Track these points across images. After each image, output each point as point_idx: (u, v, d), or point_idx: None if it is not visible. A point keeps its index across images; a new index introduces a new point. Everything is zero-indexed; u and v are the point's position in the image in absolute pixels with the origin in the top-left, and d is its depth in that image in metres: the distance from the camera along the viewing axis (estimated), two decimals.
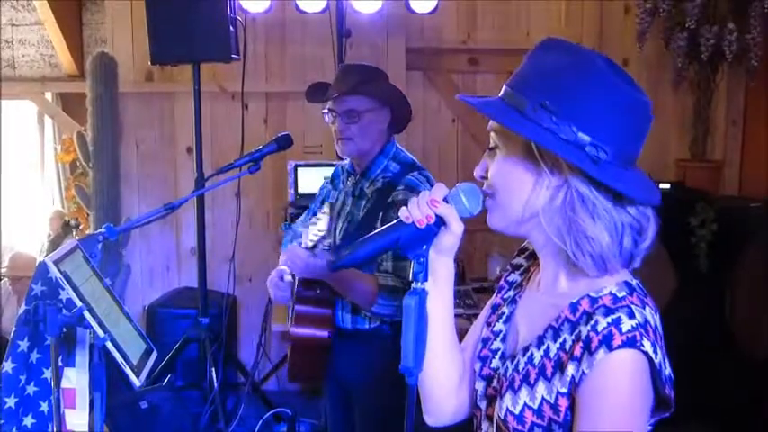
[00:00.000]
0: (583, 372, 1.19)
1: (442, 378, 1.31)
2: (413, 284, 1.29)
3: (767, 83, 4.56)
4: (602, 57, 1.25)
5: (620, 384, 1.17)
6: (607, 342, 1.16)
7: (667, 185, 4.62)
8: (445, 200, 1.30)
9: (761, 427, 3.95)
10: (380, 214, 2.63)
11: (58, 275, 1.94)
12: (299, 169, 4.34)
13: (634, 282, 1.29)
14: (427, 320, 1.28)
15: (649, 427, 1.26)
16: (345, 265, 1.35)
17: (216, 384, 3.89)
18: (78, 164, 4.86)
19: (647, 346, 1.16)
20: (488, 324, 1.48)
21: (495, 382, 1.38)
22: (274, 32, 4.90)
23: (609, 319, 1.18)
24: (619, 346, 1.16)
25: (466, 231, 1.32)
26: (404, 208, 1.31)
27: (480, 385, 1.43)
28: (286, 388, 4.84)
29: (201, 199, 4.01)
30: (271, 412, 4.21)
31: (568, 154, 1.19)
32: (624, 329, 1.16)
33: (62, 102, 5.28)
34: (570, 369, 1.21)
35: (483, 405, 1.41)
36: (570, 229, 1.24)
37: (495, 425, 1.35)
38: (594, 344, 1.17)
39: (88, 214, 4.69)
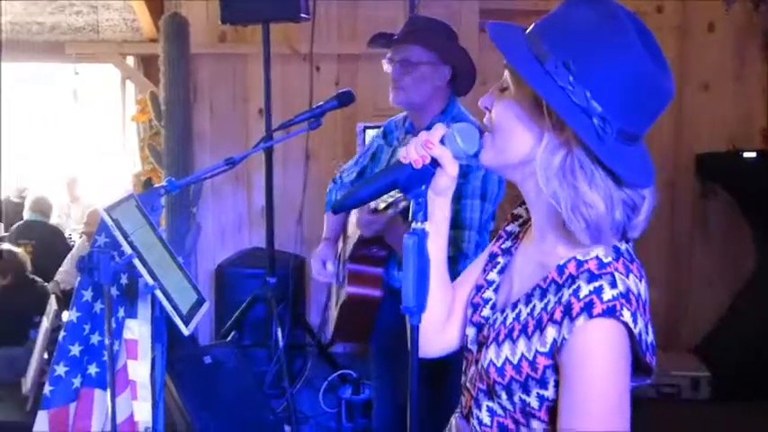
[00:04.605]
0: (564, 337, 1.21)
1: (430, 314, 1.33)
2: (412, 224, 1.30)
3: None
4: (636, 22, 1.22)
5: (598, 352, 1.20)
6: (588, 310, 1.18)
7: (753, 154, 4.42)
8: (441, 141, 1.31)
9: None
10: None
11: (109, 222, 1.96)
12: (369, 131, 4.30)
13: (623, 246, 1.29)
14: (428, 260, 1.28)
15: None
16: (347, 205, 1.43)
17: (281, 344, 3.92)
18: (152, 124, 4.94)
19: (627, 316, 1.18)
20: (484, 271, 1.52)
21: (485, 330, 1.42)
22: None
23: (591, 287, 1.20)
24: (599, 315, 1.17)
25: None
26: (402, 149, 1.32)
27: (471, 331, 1.47)
28: (353, 351, 4.84)
29: (270, 160, 4.02)
30: (336, 374, 4.24)
31: (575, 122, 1.19)
32: (605, 299, 1.18)
33: (143, 65, 5.37)
34: (551, 332, 1.24)
35: (474, 349, 1.46)
36: (567, 191, 1.23)
37: (478, 372, 1.39)
38: (576, 310, 1.19)
39: (161, 173, 4.76)
